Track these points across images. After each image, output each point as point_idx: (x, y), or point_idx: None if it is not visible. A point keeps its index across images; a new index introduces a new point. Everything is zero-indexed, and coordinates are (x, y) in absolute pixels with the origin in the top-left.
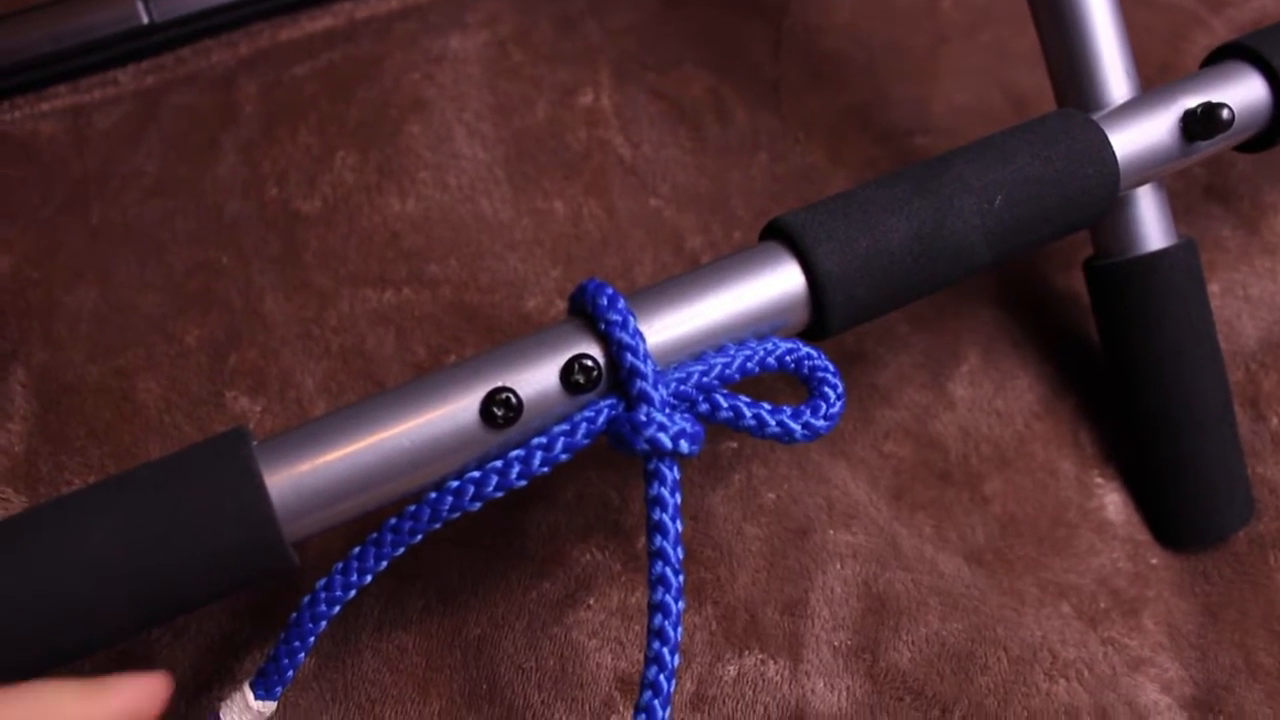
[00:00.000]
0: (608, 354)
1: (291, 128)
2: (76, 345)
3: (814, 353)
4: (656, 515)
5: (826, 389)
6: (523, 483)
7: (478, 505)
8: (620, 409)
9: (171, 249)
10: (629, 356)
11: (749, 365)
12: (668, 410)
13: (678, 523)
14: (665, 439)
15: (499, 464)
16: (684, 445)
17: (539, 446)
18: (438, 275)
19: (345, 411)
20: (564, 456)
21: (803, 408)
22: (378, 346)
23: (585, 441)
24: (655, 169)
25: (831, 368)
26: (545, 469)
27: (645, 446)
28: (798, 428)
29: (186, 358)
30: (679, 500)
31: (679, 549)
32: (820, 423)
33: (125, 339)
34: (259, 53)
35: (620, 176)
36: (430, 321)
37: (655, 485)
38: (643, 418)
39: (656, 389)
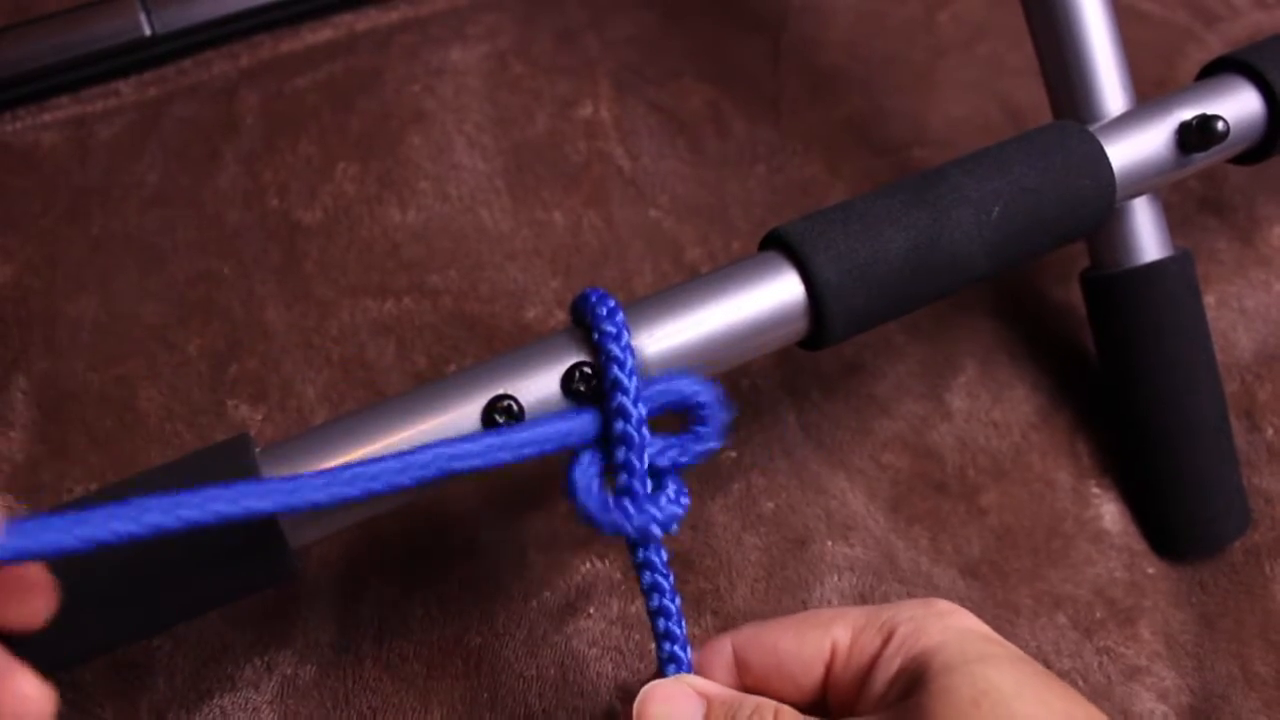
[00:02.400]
0: (596, 364)
1: (292, 139)
2: (78, 354)
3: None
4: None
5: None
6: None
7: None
8: (603, 427)
9: (173, 259)
10: (615, 369)
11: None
12: (659, 496)
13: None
14: (655, 528)
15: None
16: (656, 530)
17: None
18: (438, 285)
19: (347, 419)
20: (530, 451)
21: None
22: (378, 356)
23: (551, 448)
24: (654, 180)
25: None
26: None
27: (635, 535)
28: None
29: (188, 367)
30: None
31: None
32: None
33: (126, 348)
34: (260, 64)
35: (619, 188)
36: (431, 331)
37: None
38: (639, 489)
39: (637, 405)
